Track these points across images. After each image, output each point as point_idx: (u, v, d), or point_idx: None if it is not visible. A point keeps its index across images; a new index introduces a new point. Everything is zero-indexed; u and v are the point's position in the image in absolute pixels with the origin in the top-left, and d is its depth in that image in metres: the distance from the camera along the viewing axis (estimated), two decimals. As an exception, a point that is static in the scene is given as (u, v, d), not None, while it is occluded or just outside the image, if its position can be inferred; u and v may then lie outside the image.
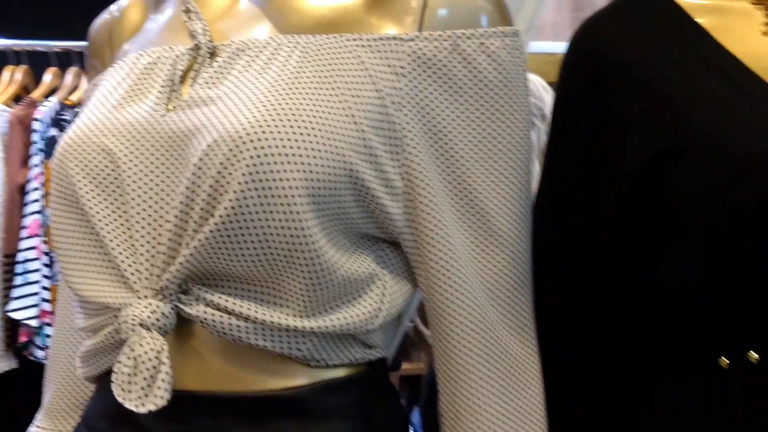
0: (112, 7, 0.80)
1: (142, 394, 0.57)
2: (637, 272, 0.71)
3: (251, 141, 0.57)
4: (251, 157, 0.56)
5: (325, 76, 0.62)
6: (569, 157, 0.74)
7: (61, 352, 0.80)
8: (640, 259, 0.70)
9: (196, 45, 0.67)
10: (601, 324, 0.73)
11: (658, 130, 0.68)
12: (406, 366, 2.35)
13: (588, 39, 0.75)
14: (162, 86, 0.65)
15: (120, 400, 0.57)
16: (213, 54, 0.66)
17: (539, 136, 1.52)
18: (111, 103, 0.67)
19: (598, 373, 0.74)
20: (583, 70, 0.75)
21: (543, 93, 1.63)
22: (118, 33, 0.78)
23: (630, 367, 0.73)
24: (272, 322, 0.60)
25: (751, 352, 0.64)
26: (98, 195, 0.63)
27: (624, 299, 0.72)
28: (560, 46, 0.82)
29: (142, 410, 0.57)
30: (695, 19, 0.71)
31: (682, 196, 0.66)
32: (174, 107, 0.64)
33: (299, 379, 0.63)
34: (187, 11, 0.69)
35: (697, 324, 0.67)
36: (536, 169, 0.79)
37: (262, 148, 0.57)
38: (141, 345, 0.58)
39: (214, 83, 0.63)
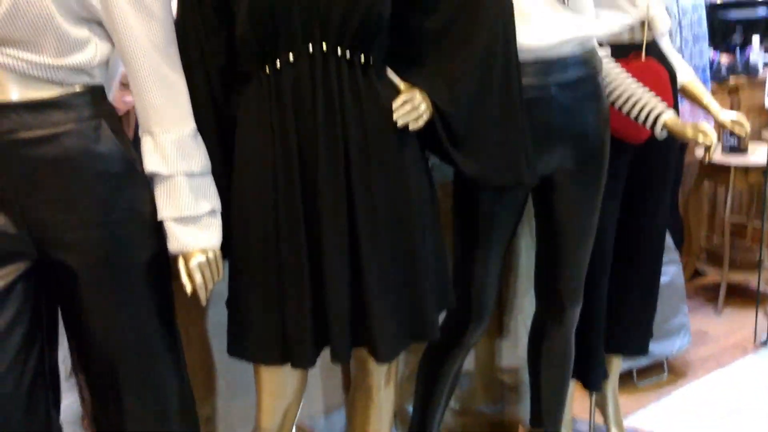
0: None
1: None
2: (227, 28, 1.40)
3: None
4: None
5: None
6: None
7: None
8: (226, 22, 1.40)
9: None
10: (213, 57, 1.42)
11: None
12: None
13: None
14: None
15: None
16: None
17: None
18: None
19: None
20: None
21: None
22: None
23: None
24: (41, 62, 1.20)
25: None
26: None
27: (222, 39, 1.42)
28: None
29: None
30: None
31: None
32: None
33: (57, 91, 1.24)
34: None
35: (255, 49, 1.38)
36: None
37: None
38: None
39: None
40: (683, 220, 3.45)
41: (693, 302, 3.35)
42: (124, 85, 1.69)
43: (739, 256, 3.42)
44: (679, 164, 3.00)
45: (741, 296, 3.42)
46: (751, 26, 3.94)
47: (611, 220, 2.06)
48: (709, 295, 3.48)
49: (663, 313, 2.55)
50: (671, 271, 2.68)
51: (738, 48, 3.78)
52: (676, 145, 2.08)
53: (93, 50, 1.26)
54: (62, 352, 1.41)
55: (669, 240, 2.53)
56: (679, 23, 2.86)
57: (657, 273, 2.25)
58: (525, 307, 2.21)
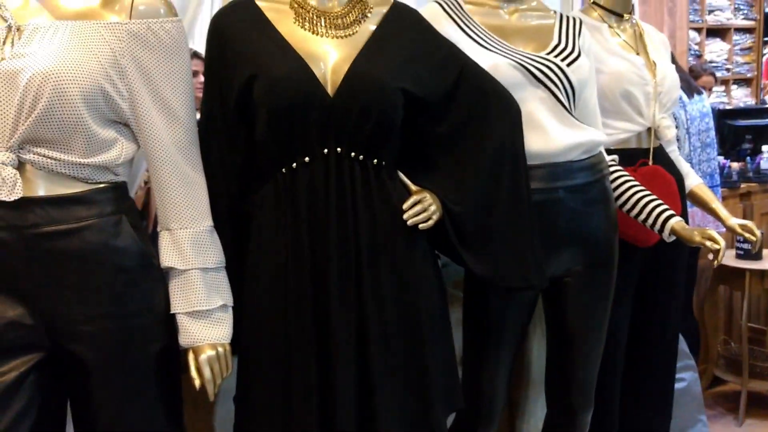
0: None
1: (9, 192, 1.23)
2: (247, 128, 1.47)
3: (52, 74, 1.23)
4: (54, 82, 1.22)
5: (84, 42, 1.29)
6: (212, 87, 1.49)
7: None
8: (247, 125, 1.47)
9: (9, 25, 1.28)
10: (233, 155, 1.49)
11: (246, 67, 1.43)
12: None
13: (216, 23, 1.49)
14: None
15: None
16: (19, 30, 1.28)
17: None
18: None
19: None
20: (215, 40, 1.48)
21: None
22: None
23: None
24: (69, 160, 1.27)
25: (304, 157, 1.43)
26: None
27: (242, 140, 1.48)
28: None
29: (11, 198, 1.23)
30: (265, 14, 1.47)
31: (257, 96, 1.42)
32: (3, 59, 1.25)
33: (82, 187, 1.30)
34: None
35: (273, 151, 1.45)
36: None
37: (58, 78, 1.23)
38: (5, 172, 1.23)
39: (23, 46, 1.27)
40: (699, 326, 3.41)
41: (712, 412, 3.25)
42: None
43: (760, 364, 3.35)
44: (692, 267, 2.99)
45: (763, 406, 3.33)
46: (760, 133, 4.01)
47: (622, 324, 2.06)
48: (729, 405, 3.38)
49: (680, 423, 2.48)
50: (687, 378, 2.62)
51: (748, 155, 3.84)
52: (686, 248, 2.10)
53: (119, 150, 1.33)
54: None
55: (684, 345, 2.50)
56: (687, 130, 2.93)
57: (671, 378, 2.22)
58: (536, 410, 2.17)
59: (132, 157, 1.37)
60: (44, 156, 1.26)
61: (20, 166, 1.25)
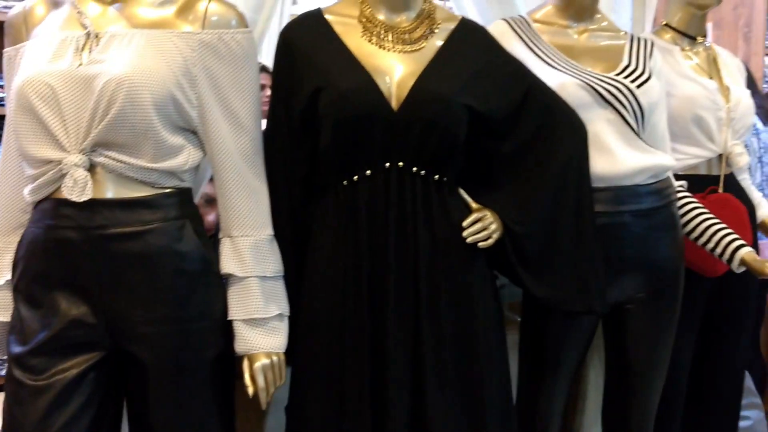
0: (24, 3, 1.42)
1: (80, 193, 1.26)
2: (311, 140, 1.47)
3: (125, 80, 1.25)
4: (127, 87, 1.25)
5: (157, 50, 1.32)
6: (278, 98, 1.49)
7: (4, 190, 1.41)
8: (311, 136, 1.46)
9: (88, 32, 1.33)
10: (295, 166, 1.49)
11: (313, 79, 1.44)
12: None
13: (285, 35, 1.50)
14: (73, 53, 1.31)
15: (69, 196, 1.26)
16: (97, 36, 1.32)
17: None
18: (44, 60, 1.30)
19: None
20: (283, 52, 1.49)
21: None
22: (31, 20, 1.40)
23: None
24: (137, 164, 1.29)
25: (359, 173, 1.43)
26: (45, 106, 1.27)
27: (306, 152, 1.49)
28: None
29: (81, 199, 1.26)
30: (333, 27, 1.49)
31: (323, 108, 1.42)
32: (81, 64, 1.29)
33: (149, 191, 1.32)
34: (79, 12, 1.35)
35: (336, 163, 1.45)
36: None
37: (131, 84, 1.26)
38: (77, 173, 1.26)
39: (101, 52, 1.30)
40: (766, 362, 3.27)
41: (777, 452, 3.11)
42: (209, 203, 1.80)
43: (829, 406, 3.19)
44: (762, 300, 2.88)
45: (831, 450, 3.16)
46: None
47: (685, 356, 1.98)
48: (796, 447, 3.23)
49: (744, 463, 2.38)
50: (753, 416, 2.51)
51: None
52: (755, 280, 2.02)
53: (186, 156, 1.35)
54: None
55: (750, 382, 2.40)
56: (760, 159, 2.83)
57: (735, 415, 2.12)
58: (592, 440, 2.11)
59: (198, 163, 1.40)
60: (114, 159, 1.29)
61: (91, 168, 1.28)
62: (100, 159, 1.28)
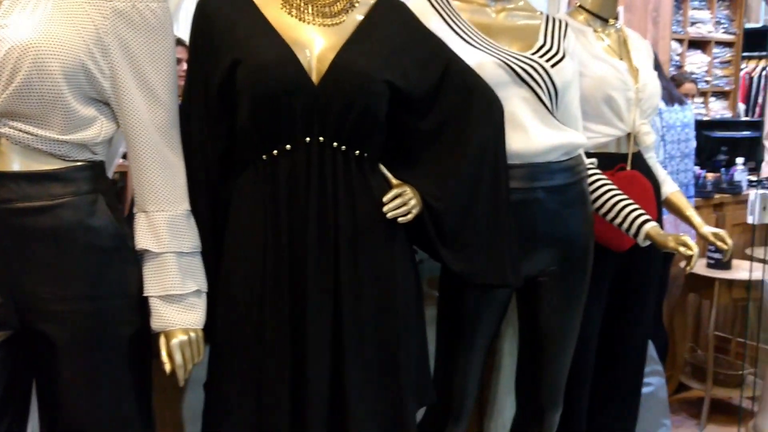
0: None
1: None
2: (229, 114, 1.45)
3: (31, 47, 1.21)
4: (33, 55, 1.20)
5: (67, 15, 1.26)
6: (195, 71, 1.47)
7: None
8: (230, 110, 1.44)
9: None
10: (213, 141, 1.47)
11: (231, 52, 1.41)
12: None
13: (202, 7, 1.46)
14: None
15: None
16: None
17: None
18: None
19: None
20: (200, 24, 1.46)
21: None
22: None
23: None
24: (46, 135, 1.25)
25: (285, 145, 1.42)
26: None
27: (224, 126, 1.47)
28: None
29: None
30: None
31: (241, 82, 1.40)
32: None
33: (59, 164, 1.28)
34: None
35: (255, 137, 1.43)
36: None
37: (38, 51, 1.21)
38: None
39: (2, 16, 1.25)
40: (668, 332, 3.45)
41: (677, 417, 3.29)
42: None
43: (724, 372, 3.40)
44: (664, 275, 3.03)
45: (725, 412, 3.38)
46: (735, 145, 4.07)
47: (594, 326, 2.07)
48: (692, 410, 3.43)
49: (645, 426, 2.51)
50: (654, 383, 2.65)
51: (723, 166, 3.90)
52: (660, 254, 2.12)
53: (98, 128, 1.31)
54: (32, 424, 1.39)
55: (653, 350, 2.53)
56: (662, 137, 2.96)
57: (639, 382, 2.24)
58: (505, 409, 2.18)
59: (111, 136, 1.35)
60: (21, 131, 1.23)
61: None
62: (4, 130, 1.23)
